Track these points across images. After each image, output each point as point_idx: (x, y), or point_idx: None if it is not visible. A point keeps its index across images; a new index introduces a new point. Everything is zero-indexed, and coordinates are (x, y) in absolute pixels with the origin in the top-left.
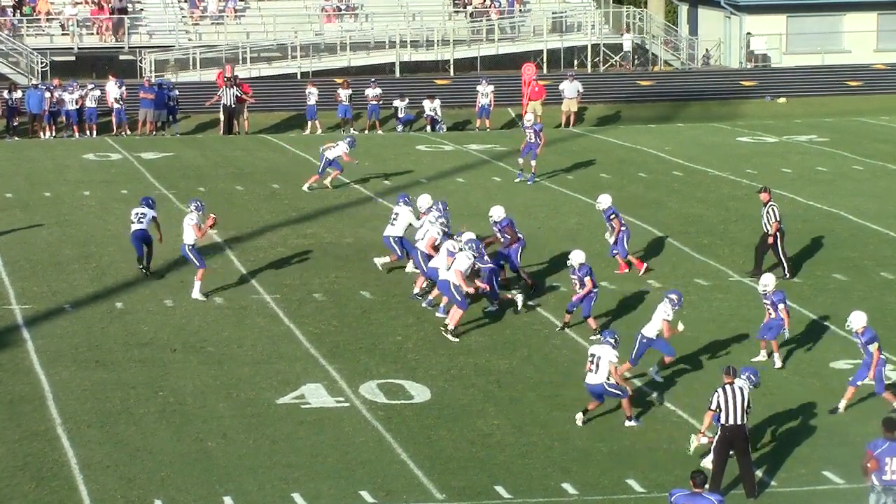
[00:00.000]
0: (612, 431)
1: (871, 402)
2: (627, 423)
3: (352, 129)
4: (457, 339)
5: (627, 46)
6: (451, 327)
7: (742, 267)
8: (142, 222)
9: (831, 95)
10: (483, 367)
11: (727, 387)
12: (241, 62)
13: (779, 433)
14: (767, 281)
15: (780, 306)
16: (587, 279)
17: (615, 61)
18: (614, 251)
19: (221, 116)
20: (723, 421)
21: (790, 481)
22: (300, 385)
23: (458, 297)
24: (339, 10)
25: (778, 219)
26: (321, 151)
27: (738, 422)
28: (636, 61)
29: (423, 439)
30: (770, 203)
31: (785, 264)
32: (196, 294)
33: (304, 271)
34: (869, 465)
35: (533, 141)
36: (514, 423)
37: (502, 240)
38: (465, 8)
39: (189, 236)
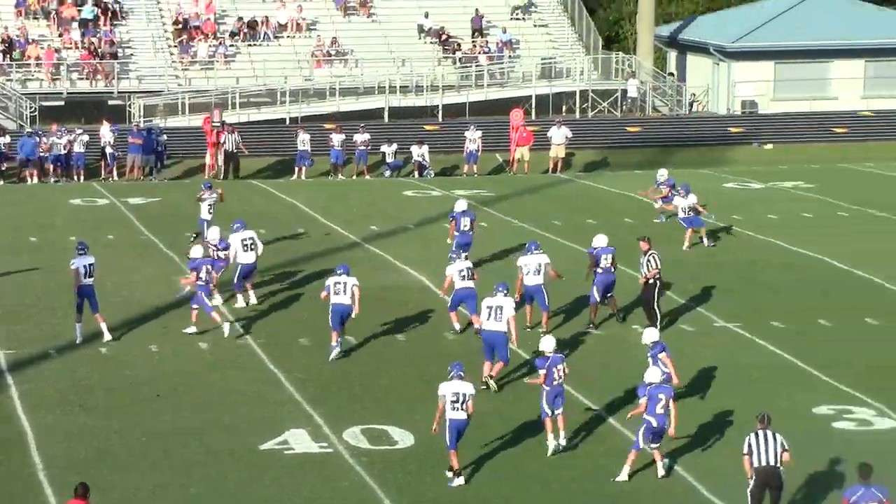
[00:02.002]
0: (600, 475)
1: (853, 448)
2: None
3: (340, 174)
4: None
5: (633, 92)
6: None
7: (727, 312)
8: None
9: (818, 142)
10: None
11: (759, 431)
12: (230, 107)
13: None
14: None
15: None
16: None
17: (604, 107)
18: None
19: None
20: (755, 464)
21: None
22: (284, 430)
23: (507, 352)
24: (329, 55)
25: (658, 267)
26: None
27: (772, 463)
28: (624, 108)
29: (407, 485)
30: (650, 252)
31: (658, 315)
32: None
33: (290, 316)
34: None
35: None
36: (495, 470)
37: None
38: (454, 54)
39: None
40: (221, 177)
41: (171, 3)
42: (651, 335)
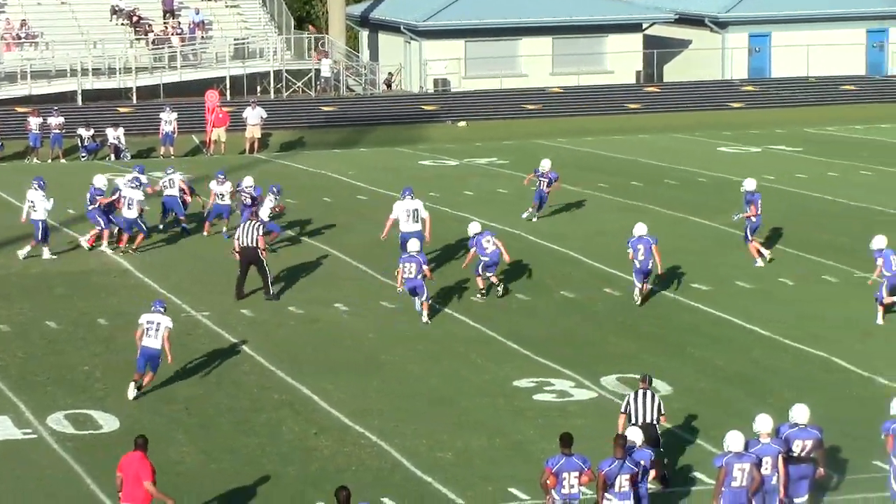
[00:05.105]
0: (303, 455)
1: (554, 420)
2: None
3: (35, 158)
4: None
5: (326, 72)
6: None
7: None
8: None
9: (510, 119)
10: (172, 395)
11: (639, 391)
12: None
13: (466, 451)
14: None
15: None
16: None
17: (298, 87)
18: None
19: None
20: (633, 421)
21: (477, 499)
22: None
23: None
24: (19, 38)
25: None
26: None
27: (649, 421)
28: (318, 88)
29: (113, 469)
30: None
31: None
32: None
33: None
34: (548, 481)
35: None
36: (203, 450)
37: None
38: (146, 35)
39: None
40: None
41: None
42: None
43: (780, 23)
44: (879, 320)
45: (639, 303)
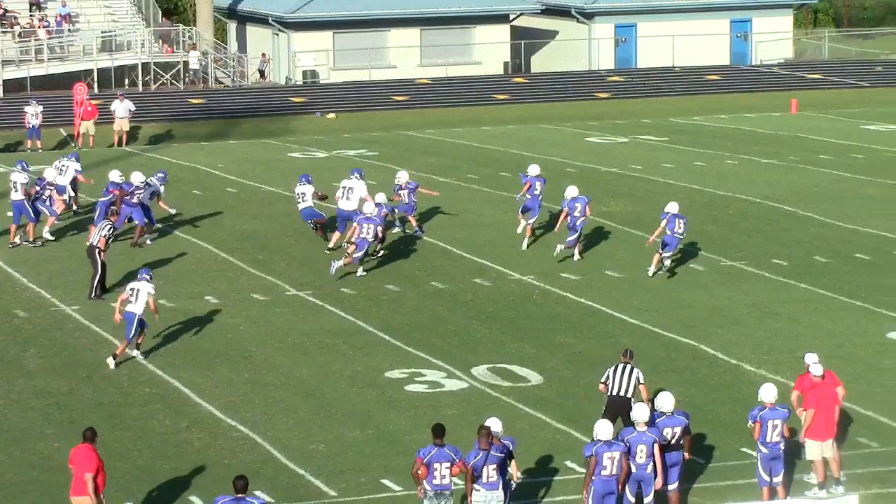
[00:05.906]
0: (175, 448)
1: (425, 411)
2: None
3: None
4: None
5: (194, 64)
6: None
7: (298, 280)
8: None
9: (379, 110)
10: (42, 390)
11: (619, 365)
12: None
13: (338, 442)
14: None
15: None
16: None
17: (166, 80)
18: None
19: None
20: (610, 393)
21: (350, 490)
22: None
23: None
24: None
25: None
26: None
27: (623, 394)
28: (187, 80)
29: None
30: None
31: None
32: None
33: None
34: (419, 472)
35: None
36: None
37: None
38: (12, 28)
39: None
40: None
41: None
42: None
43: (645, 13)
44: (650, 272)
45: (557, 254)
